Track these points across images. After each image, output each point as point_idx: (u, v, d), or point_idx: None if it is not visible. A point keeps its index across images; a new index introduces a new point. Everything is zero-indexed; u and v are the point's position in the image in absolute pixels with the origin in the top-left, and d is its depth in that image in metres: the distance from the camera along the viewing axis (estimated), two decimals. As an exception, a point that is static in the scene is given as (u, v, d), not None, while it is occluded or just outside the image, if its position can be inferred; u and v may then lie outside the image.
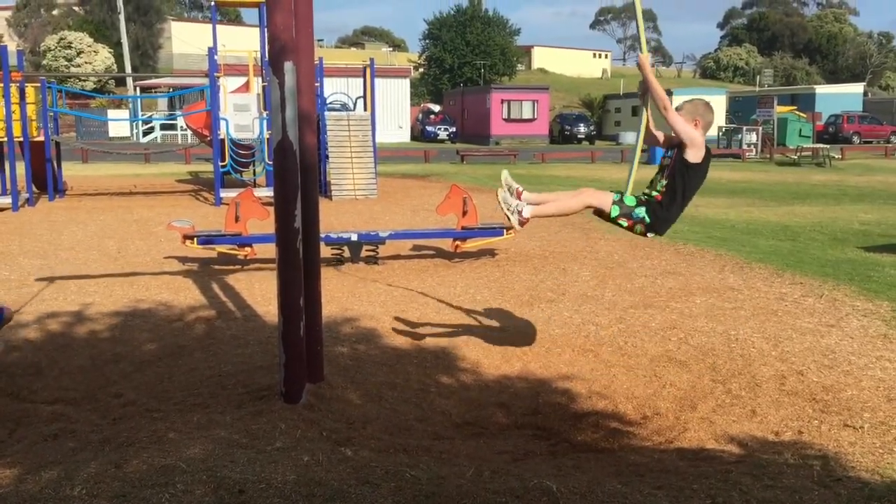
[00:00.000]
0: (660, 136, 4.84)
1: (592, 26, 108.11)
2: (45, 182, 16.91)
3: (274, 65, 4.45)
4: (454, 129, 47.89)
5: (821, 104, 48.61)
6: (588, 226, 12.44)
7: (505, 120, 46.83)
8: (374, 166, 18.08)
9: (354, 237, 9.71)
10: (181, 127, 36.90)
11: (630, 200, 4.65)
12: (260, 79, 17.46)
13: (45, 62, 52.10)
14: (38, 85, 17.14)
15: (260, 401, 4.68)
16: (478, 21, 60.75)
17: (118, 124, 38.95)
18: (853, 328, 6.46)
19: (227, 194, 15.71)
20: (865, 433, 4.40)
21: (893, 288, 7.83)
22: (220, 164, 16.57)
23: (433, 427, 4.79)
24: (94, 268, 9.53)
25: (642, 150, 4.85)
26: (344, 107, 23.48)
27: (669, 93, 4.49)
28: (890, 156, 34.84)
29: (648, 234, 4.73)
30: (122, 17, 52.56)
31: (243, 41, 31.74)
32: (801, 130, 39.09)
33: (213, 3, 20.53)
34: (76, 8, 64.33)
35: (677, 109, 4.58)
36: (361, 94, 20.04)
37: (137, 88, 50.66)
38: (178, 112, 35.56)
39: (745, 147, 34.21)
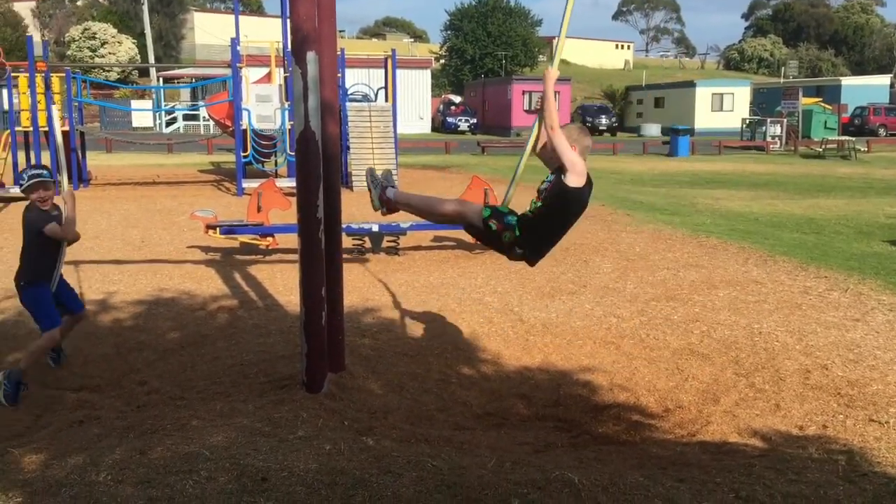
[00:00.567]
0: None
1: (615, 17, 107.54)
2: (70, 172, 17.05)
3: (297, 55, 4.45)
4: (475, 121, 47.75)
5: (846, 96, 47.96)
6: (610, 218, 12.38)
7: (526, 111, 46.59)
8: (396, 157, 18.08)
9: (376, 228, 9.72)
10: (203, 117, 37.07)
11: (504, 209, 4.40)
12: (282, 69, 17.50)
13: (69, 53, 52.54)
14: (63, 75, 17.28)
15: (282, 390, 4.70)
16: (499, 12, 60.44)
17: (141, 115, 39.20)
18: (879, 322, 6.38)
19: (249, 184, 15.78)
20: (891, 428, 4.35)
21: (920, 282, 7.73)
22: (242, 154, 16.64)
23: (454, 417, 4.79)
24: (118, 257, 9.61)
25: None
26: (365, 97, 23.50)
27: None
28: (917, 148, 34.38)
29: (517, 251, 4.36)
30: (145, 8, 52.84)
31: (265, 32, 31.81)
32: (826, 122, 38.65)
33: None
34: (100, -1, 64.84)
35: None
36: (383, 84, 20.04)
37: (160, 79, 50.97)
38: (200, 102, 35.77)
39: (769, 139, 33.88)
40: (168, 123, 42.28)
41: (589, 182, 4.31)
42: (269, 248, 9.75)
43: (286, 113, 16.78)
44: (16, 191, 15.66)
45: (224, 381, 5.14)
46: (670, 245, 10.07)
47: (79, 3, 65.21)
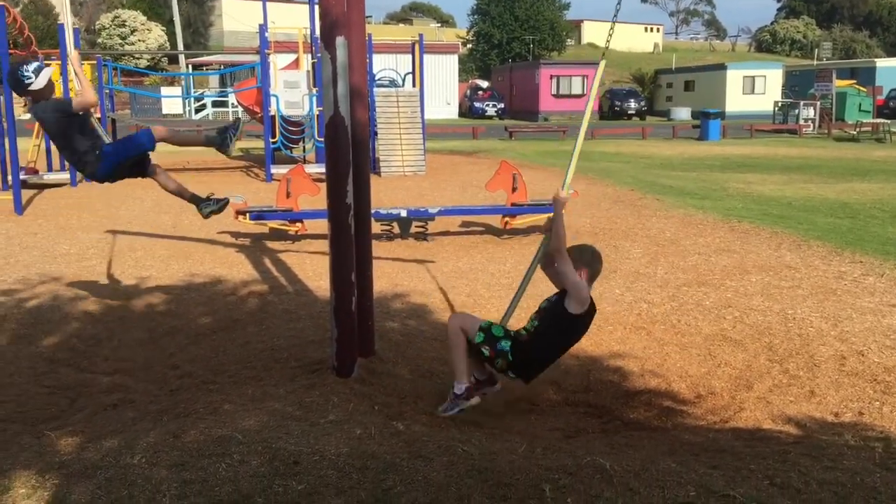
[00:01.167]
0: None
1: (644, 0, 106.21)
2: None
3: (325, 40, 4.43)
4: (502, 105, 47.55)
5: (882, 78, 46.92)
6: (640, 203, 12.27)
7: (554, 96, 46.31)
8: (423, 142, 18.06)
9: (404, 213, 9.72)
10: (232, 104, 37.28)
11: (498, 331, 4.30)
12: (309, 56, 17.53)
13: (100, 40, 53.08)
14: (95, 62, 17.45)
15: (312, 374, 4.72)
16: (527, -5, 60.01)
17: (171, 101, 39.54)
18: (916, 308, 6.26)
19: (278, 171, 15.86)
20: (930, 416, 4.27)
21: (959, 267, 7.58)
22: (271, 140, 16.72)
23: (484, 403, 4.78)
24: (150, 242, 9.71)
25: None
26: (392, 83, 23.45)
27: None
28: (955, 131, 33.59)
29: (510, 374, 4.30)
30: (174, -4, 53.17)
31: (293, 18, 31.85)
32: (860, 105, 37.87)
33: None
34: (130, -13, 65.26)
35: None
36: (410, 70, 19.99)
37: (189, 66, 51.29)
38: (229, 89, 35.93)
39: (801, 122, 33.34)
40: (197, 110, 42.59)
41: (590, 310, 4.22)
42: (299, 233, 9.79)
43: (314, 99, 16.82)
44: (50, 177, 15.88)
45: (255, 366, 5.17)
46: (701, 230, 9.96)
47: (109, -9, 65.73)
